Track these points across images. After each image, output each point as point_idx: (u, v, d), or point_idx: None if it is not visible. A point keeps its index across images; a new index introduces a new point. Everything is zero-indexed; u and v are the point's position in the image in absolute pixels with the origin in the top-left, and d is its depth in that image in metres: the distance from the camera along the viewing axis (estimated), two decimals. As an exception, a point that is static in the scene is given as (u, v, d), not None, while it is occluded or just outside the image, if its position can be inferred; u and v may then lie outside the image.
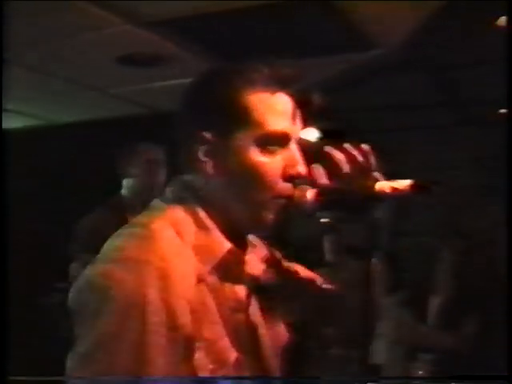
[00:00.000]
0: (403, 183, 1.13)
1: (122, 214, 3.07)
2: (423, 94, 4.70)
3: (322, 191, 1.19)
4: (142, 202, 3.20)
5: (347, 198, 1.18)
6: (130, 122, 4.56)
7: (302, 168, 1.23)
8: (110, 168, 3.31)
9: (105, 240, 3.04)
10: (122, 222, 3.14)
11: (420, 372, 3.51)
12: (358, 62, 3.55)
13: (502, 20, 3.05)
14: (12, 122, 4.52)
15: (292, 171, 1.22)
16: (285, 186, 1.21)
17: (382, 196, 1.14)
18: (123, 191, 3.25)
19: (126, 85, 3.99)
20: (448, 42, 3.49)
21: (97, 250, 2.99)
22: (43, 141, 4.67)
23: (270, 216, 1.22)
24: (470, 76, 4.20)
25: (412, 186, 1.12)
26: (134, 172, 3.21)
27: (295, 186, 1.22)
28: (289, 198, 1.21)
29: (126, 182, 3.24)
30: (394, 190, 1.13)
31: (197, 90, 1.28)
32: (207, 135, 1.22)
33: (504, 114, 4.91)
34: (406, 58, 3.71)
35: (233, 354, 1.19)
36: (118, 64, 3.51)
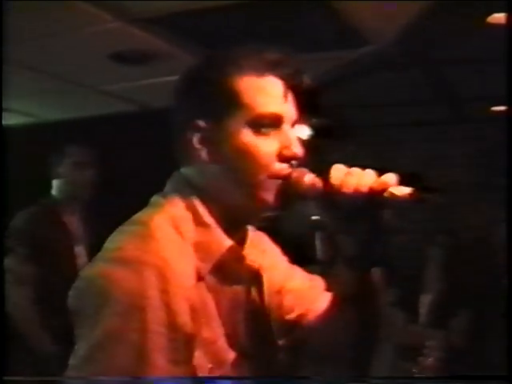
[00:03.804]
0: (403, 190, 1.13)
1: (54, 213, 3.29)
2: (414, 90, 4.71)
3: (324, 192, 1.19)
4: (72, 201, 3.31)
5: (345, 202, 1.17)
6: (122, 119, 4.55)
7: (297, 149, 1.22)
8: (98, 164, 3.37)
9: (37, 238, 3.17)
10: (54, 220, 3.13)
11: (414, 371, 3.51)
12: (350, 59, 3.55)
13: (496, 17, 3.06)
14: (4, 120, 4.49)
15: (287, 152, 1.21)
16: (281, 167, 1.21)
17: (379, 200, 1.15)
18: (53, 191, 3.38)
19: (117, 82, 3.98)
20: (440, 38, 3.50)
21: (30, 245, 2.92)
22: (34, 138, 4.65)
23: (267, 197, 1.21)
24: (462, 73, 4.21)
25: (411, 195, 1.12)
26: (61, 173, 3.35)
27: (292, 166, 1.21)
28: (285, 178, 1.21)
29: (55, 183, 3.38)
30: (393, 195, 1.13)
31: (187, 79, 1.29)
32: (200, 123, 1.22)
33: (496, 111, 4.93)
34: (398, 55, 3.71)
35: (231, 354, 1.20)
36: (109, 61, 3.50)
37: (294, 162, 1.21)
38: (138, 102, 4.46)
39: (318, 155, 1.35)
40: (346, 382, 1.26)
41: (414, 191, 1.12)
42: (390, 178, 1.15)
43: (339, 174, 1.18)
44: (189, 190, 1.24)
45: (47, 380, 1.23)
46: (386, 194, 1.14)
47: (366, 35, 3.19)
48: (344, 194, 1.16)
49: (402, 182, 1.14)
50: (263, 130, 1.20)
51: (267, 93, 1.22)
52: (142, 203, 1.27)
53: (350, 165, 1.19)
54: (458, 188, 5.29)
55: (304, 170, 1.21)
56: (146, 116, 4.56)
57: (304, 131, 1.35)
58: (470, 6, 2.92)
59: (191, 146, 1.23)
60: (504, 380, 1.20)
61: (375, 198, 1.15)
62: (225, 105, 1.20)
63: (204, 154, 1.22)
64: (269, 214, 1.26)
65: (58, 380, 1.16)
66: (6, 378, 1.42)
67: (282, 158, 1.21)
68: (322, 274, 1.45)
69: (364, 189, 1.15)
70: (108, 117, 4.58)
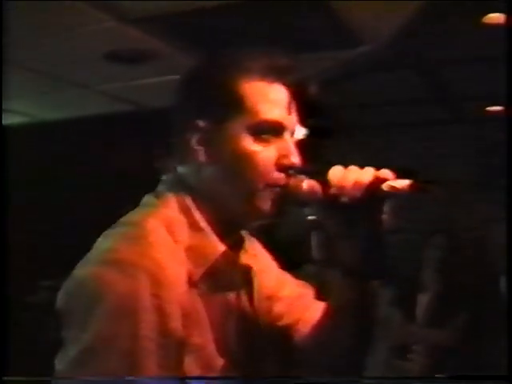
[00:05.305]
0: (402, 183, 1.12)
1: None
2: (411, 90, 4.71)
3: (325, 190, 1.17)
4: None
5: (345, 199, 1.15)
6: (118, 119, 4.55)
7: (295, 158, 1.21)
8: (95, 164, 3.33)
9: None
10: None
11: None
12: (346, 59, 3.55)
13: (494, 17, 3.06)
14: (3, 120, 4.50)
15: (286, 161, 1.20)
16: (278, 176, 1.19)
17: (380, 195, 1.14)
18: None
19: (113, 81, 3.98)
20: (436, 38, 3.50)
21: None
22: (31, 138, 4.65)
23: (264, 205, 1.19)
24: (458, 73, 4.22)
25: (411, 186, 1.11)
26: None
27: (290, 175, 1.20)
28: (283, 187, 1.19)
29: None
30: (393, 188, 1.12)
31: (191, 77, 1.27)
32: (200, 123, 1.20)
33: (495, 111, 4.93)
34: (395, 55, 3.71)
35: (220, 360, 1.18)
36: (104, 61, 3.50)
37: (291, 170, 1.20)
38: (134, 101, 4.46)
39: (316, 156, 1.34)
40: (342, 383, 1.26)
41: (412, 183, 1.11)
42: (388, 172, 1.14)
43: (338, 174, 1.17)
44: (183, 190, 1.21)
45: (47, 380, 1.21)
46: (384, 187, 1.13)
47: (364, 35, 3.19)
48: (343, 189, 1.14)
49: (400, 177, 1.14)
50: (263, 136, 1.19)
51: (271, 100, 1.20)
52: (136, 203, 1.25)
53: (349, 165, 1.18)
54: (457, 188, 5.28)
55: (302, 177, 1.19)
56: (143, 115, 4.56)
57: (302, 132, 1.34)
58: (469, 5, 2.92)
59: (189, 146, 1.21)
60: (504, 380, 1.20)
61: (374, 192, 1.13)
62: (227, 107, 1.19)
63: (202, 154, 1.20)
64: (262, 221, 1.25)
65: (57, 380, 1.14)
66: (5, 378, 1.41)
67: (280, 167, 1.20)
68: (317, 275, 1.44)
69: (363, 183, 1.13)
70: (106, 116, 4.58)
